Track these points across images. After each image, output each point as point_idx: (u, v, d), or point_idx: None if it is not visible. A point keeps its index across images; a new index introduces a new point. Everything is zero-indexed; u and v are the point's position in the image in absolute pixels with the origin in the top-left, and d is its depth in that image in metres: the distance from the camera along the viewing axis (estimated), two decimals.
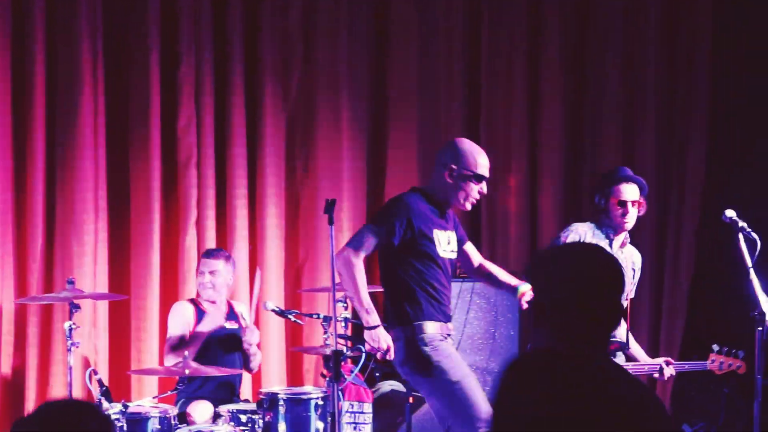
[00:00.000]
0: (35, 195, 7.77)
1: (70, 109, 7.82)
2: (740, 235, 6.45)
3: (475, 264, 6.43)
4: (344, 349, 7.02)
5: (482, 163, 6.18)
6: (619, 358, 6.57)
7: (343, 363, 6.50)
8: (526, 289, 6.05)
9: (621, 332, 6.60)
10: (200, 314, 7.52)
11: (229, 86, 8.28)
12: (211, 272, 7.53)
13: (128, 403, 6.51)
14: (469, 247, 6.41)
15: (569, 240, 6.58)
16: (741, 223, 6.47)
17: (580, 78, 9.06)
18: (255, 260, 8.22)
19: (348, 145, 8.57)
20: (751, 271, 6.44)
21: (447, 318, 6.05)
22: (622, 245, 6.68)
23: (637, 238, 8.84)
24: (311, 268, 8.43)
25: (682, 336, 8.69)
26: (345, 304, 7.39)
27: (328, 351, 6.70)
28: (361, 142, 8.67)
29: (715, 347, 6.71)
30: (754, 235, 6.44)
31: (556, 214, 8.91)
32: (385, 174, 8.78)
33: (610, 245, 6.61)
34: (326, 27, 8.54)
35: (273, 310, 7.39)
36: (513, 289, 6.22)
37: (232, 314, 7.62)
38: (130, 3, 8.06)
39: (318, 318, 7.31)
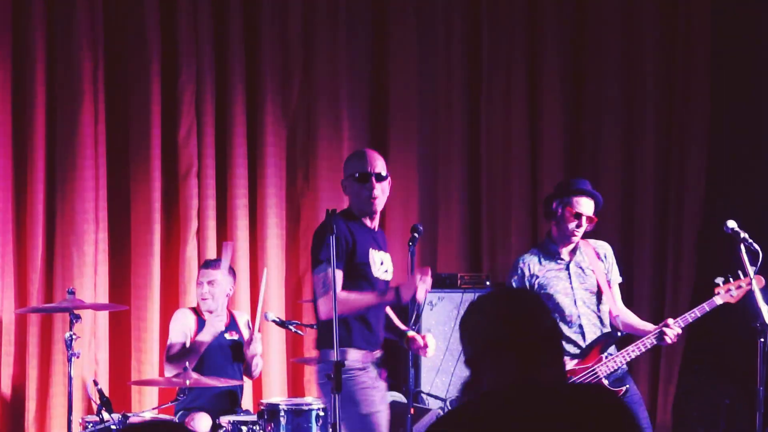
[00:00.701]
0: (36, 205, 7.76)
1: (70, 120, 7.82)
2: (742, 246, 6.44)
3: None
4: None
5: (358, 162, 5.96)
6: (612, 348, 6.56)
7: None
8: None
9: (631, 318, 6.61)
10: (201, 323, 7.50)
11: (230, 96, 8.28)
12: (209, 282, 7.50)
13: (128, 414, 6.49)
14: None
15: (516, 276, 6.63)
16: (743, 234, 6.46)
17: (580, 86, 9.06)
18: (256, 270, 8.21)
19: (348, 156, 8.55)
20: (753, 282, 6.43)
21: (373, 345, 5.85)
22: (572, 253, 6.64)
23: (636, 248, 8.86)
24: (312, 279, 8.40)
25: (684, 347, 8.66)
26: None
27: None
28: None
29: (719, 280, 6.64)
30: (756, 246, 6.43)
31: None
32: None
33: (560, 258, 6.60)
34: (326, 37, 8.54)
35: (274, 321, 7.38)
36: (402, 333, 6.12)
37: (233, 325, 7.60)
38: (130, 14, 8.07)
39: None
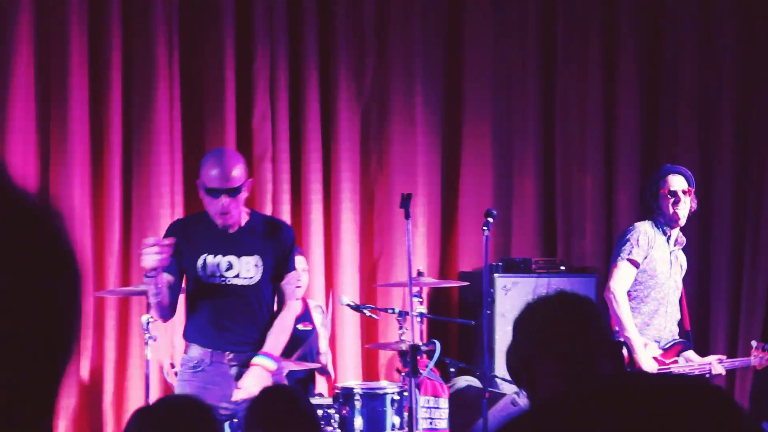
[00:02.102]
0: (112, 189, 7.83)
1: (145, 105, 7.88)
2: None
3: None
4: (419, 344, 7.00)
5: (211, 175, 5.45)
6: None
7: (418, 358, 6.48)
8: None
9: (673, 327, 6.57)
10: None
11: (304, 81, 8.30)
12: None
13: None
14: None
15: (638, 238, 6.53)
16: None
17: (657, 72, 8.98)
18: (330, 254, 8.24)
19: (422, 140, 8.57)
20: None
21: (212, 344, 5.54)
22: (678, 243, 6.65)
23: (713, 239, 8.78)
24: (386, 263, 8.43)
25: (761, 336, 8.57)
26: (420, 299, 7.38)
27: (404, 346, 6.68)
28: (435, 136, 8.66)
29: (754, 343, 6.66)
30: None
31: (632, 210, 8.82)
32: (460, 168, 8.76)
33: (668, 242, 6.60)
34: (400, 21, 8.53)
35: (348, 305, 7.39)
36: None
37: (306, 315, 7.60)
38: (205, 0, 8.10)
39: (393, 313, 7.29)
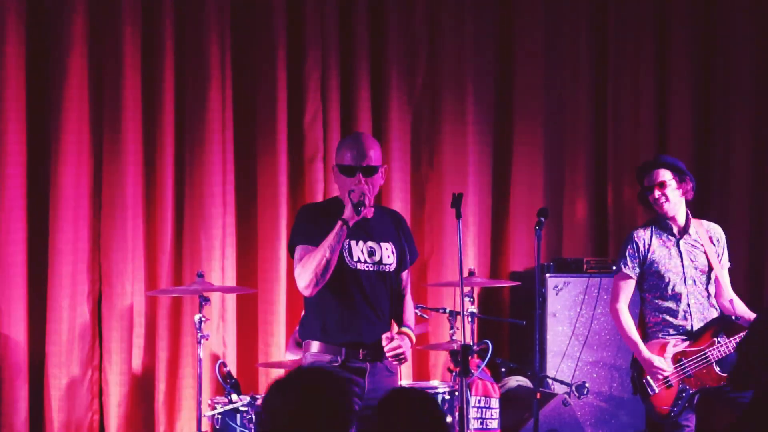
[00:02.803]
0: (165, 189, 7.88)
1: (198, 105, 7.92)
2: None
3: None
4: (471, 343, 7.00)
5: (348, 154, 5.35)
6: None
7: (470, 358, 6.47)
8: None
9: (737, 304, 6.55)
10: None
11: (355, 81, 8.31)
12: None
13: (257, 396, 6.56)
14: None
15: (626, 251, 6.63)
16: None
17: (709, 72, 8.93)
18: None
19: (473, 140, 8.55)
20: None
21: (338, 340, 5.30)
22: (685, 229, 6.64)
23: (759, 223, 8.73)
24: (437, 263, 8.42)
25: None
26: (471, 299, 7.37)
27: (455, 346, 6.67)
28: (486, 137, 8.64)
29: None
30: None
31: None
32: (511, 168, 8.74)
33: (672, 234, 6.63)
34: (451, 22, 8.53)
35: None
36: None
37: None
38: (257, 0, 8.13)
39: (444, 312, 7.28)
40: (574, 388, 7.58)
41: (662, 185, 6.57)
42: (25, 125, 7.59)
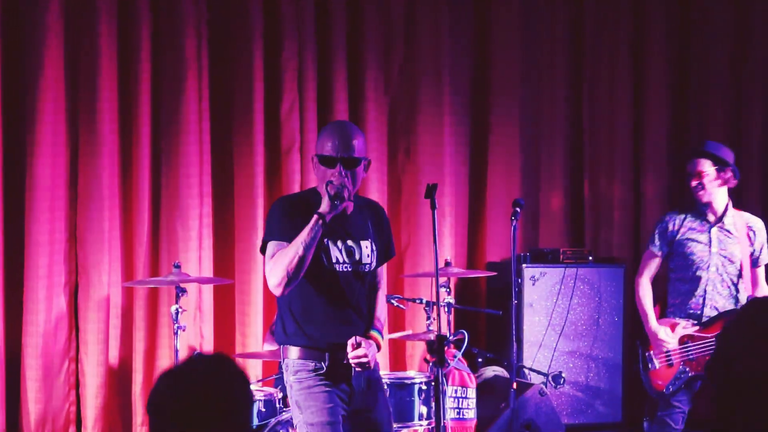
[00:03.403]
0: (141, 181, 7.86)
1: (175, 96, 7.90)
2: None
3: None
4: (447, 334, 7.02)
5: (330, 144, 5.03)
6: None
7: (446, 348, 6.49)
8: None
9: (719, 304, 6.64)
10: None
11: (331, 72, 8.31)
12: None
13: None
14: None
15: (657, 228, 6.74)
16: None
17: (685, 63, 8.97)
18: None
19: (449, 131, 8.57)
20: None
21: (319, 343, 5.05)
22: (722, 217, 6.74)
23: None
24: (413, 253, 8.44)
25: None
26: (448, 290, 7.39)
27: (431, 336, 6.69)
28: (462, 128, 8.66)
29: None
30: None
31: (660, 200, 8.83)
32: (488, 158, 8.76)
33: (706, 220, 6.77)
34: (427, 12, 8.53)
35: None
36: None
37: None
38: None
39: (420, 303, 7.30)
40: (550, 378, 7.62)
41: (700, 175, 6.71)
42: (1, 116, 7.56)
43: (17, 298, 7.62)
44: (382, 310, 5.24)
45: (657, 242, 6.82)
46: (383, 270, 5.36)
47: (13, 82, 7.64)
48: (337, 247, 5.05)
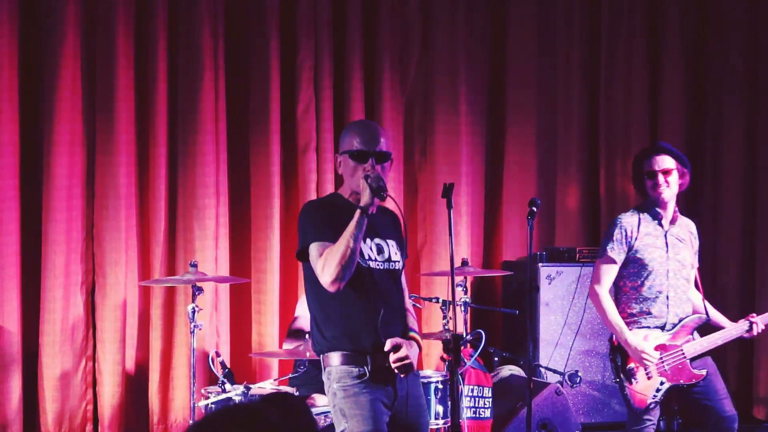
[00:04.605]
0: (158, 180, 7.88)
1: (191, 95, 7.91)
2: None
3: None
4: (464, 333, 7.02)
5: (359, 139, 4.98)
6: (696, 335, 6.41)
7: (462, 347, 6.48)
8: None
9: (697, 302, 6.47)
10: None
11: (348, 71, 8.32)
12: None
13: (250, 385, 6.57)
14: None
15: (614, 234, 6.44)
16: None
17: (702, 62, 8.95)
18: None
19: (466, 130, 8.57)
20: None
21: (361, 345, 4.89)
22: (672, 221, 6.42)
23: (759, 228, 8.74)
24: (430, 252, 8.44)
25: None
26: (464, 288, 7.39)
27: (448, 335, 6.69)
28: (479, 127, 8.66)
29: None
30: None
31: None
32: (504, 157, 8.76)
33: (660, 224, 6.38)
34: (445, 12, 8.53)
35: None
36: None
37: None
38: None
39: (437, 302, 7.30)
40: (566, 377, 7.61)
41: (666, 172, 6.35)
42: (18, 116, 7.58)
43: (35, 298, 7.65)
44: (411, 312, 5.15)
45: (616, 248, 6.38)
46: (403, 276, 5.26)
47: (31, 81, 7.67)
48: (368, 245, 4.95)
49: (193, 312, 6.79)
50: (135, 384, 7.88)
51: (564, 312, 8.20)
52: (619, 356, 6.33)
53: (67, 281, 7.65)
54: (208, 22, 7.94)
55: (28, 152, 7.66)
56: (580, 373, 7.63)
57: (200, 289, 6.86)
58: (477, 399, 7.17)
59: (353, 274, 4.81)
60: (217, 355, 6.88)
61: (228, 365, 7.25)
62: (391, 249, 5.01)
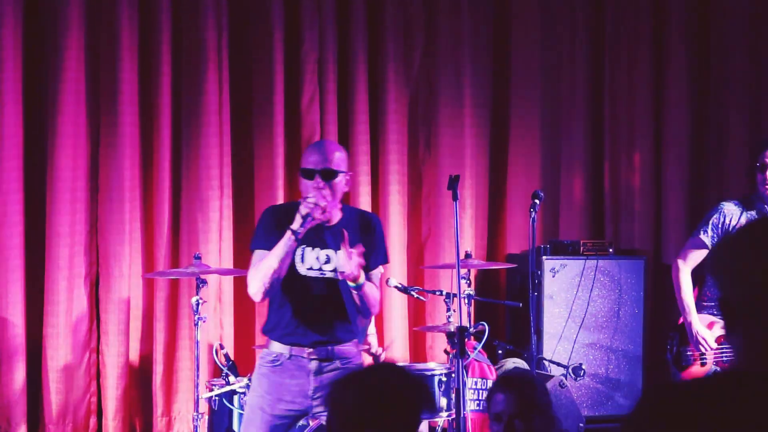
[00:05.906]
0: (162, 172, 7.88)
1: (195, 87, 7.91)
2: None
3: None
4: (467, 325, 7.01)
5: (308, 158, 5.31)
6: None
7: (466, 340, 6.48)
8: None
9: None
10: None
11: (352, 63, 8.31)
12: None
13: None
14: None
15: (713, 219, 6.37)
16: None
17: (706, 51, 8.93)
18: None
19: (470, 122, 8.56)
20: None
21: (295, 340, 5.33)
22: None
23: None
24: (434, 245, 8.44)
25: None
26: (468, 281, 7.39)
27: (452, 328, 6.69)
28: (483, 118, 8.65)
29: None
30: None
31: (680, 190, 8.80)
32: (508, 150, 8.75)
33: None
34: (448, 4, 8.52)
35: (396, 287, 7.39)
36: None
37: None
38: None
39: (441, 295, 7.30)
40: (570, 370, 7.60)
41: None
42: (22, 108, 7.59)
43: (38, 290, 7.65)
44: (371, 331, 5.69)
45: (710, 232, 6.39)
46: (378, 279, 5.46)
47: (35, 74, 7.67)
48: (314, 255, 5.32)
49: (197, 304, 6.79)
50: (139, 376, 7.89)
51: (568, 305, 8.19)
52: (678, 336, 6.32)
53: (71, 274, 7.65)
54: (212, 15, 7.93)
55: (31, 145, 7.66)
56: (584, 366, 7.63)
57: (204, 282, 6.86)
58: (481, 392, 7.17)
59: (289, 280, 5.25)
60: (221, 347, 6.88)
61: (232, 357, 7.26)
62: (340, 260, 5.25)
